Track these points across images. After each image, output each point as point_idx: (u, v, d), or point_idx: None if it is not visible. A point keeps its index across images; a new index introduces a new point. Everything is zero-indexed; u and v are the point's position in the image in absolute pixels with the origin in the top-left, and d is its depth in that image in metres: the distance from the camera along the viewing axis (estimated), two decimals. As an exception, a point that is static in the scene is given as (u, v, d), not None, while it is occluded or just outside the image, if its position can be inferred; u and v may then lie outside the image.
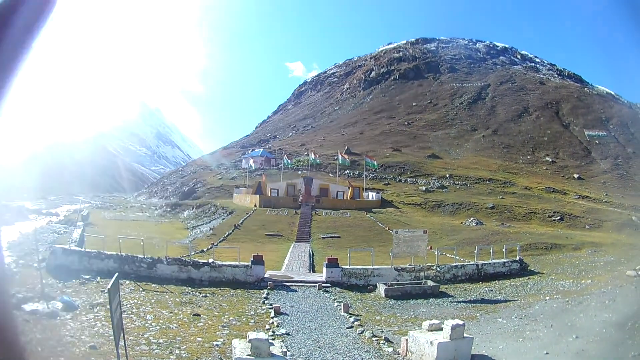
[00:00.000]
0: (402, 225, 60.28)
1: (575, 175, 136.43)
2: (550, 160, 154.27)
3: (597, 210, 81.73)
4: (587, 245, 48.09)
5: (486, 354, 16.96)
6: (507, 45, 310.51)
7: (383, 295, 29.52)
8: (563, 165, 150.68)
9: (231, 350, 15.27)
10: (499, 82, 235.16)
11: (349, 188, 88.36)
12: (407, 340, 17.34)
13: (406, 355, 17.19)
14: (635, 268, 29.38)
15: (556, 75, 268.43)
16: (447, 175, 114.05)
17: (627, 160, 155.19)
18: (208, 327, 20.61)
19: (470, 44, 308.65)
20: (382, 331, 21.16)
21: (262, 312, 24.23)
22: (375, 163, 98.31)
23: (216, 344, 17.97)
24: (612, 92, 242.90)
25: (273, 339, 16.28)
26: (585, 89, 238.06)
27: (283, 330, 20.56)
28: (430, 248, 39.07)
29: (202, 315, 22.48)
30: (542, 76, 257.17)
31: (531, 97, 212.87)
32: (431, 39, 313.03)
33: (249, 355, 13.40)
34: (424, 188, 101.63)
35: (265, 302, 26.44)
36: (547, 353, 16.15)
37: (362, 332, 20.72)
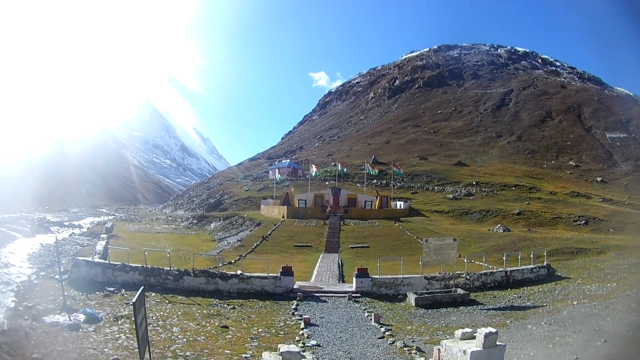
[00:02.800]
0: (431, 234, 59.77)
1: (599, 179, 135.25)
2: (574, 164, 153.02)
3: (620, 213, 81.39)
4: (612, 248, 48.11)
5: None
6: (528, 50, 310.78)
7: (413, 304, 29.18)
8: (586, 169, 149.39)
9: (261, 363, 14.89)
10: (521, 87, 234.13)
11: (376, 197, 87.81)
12: (439, 349, 16.96)
13: (439, 365, 16.77)
14: (660, 270, 29.23)
15: (576, 79, 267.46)
16: (474, 183, 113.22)
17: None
18: (237, 340, 20.28)
19: (492, 49, 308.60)
20: (414, 341, 20.87)
21: (292, 323, 23.89)
22: (402, 172, 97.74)
23: (245, 357, 17.68)
24: (631, 94, 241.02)
25: (304, 351, 15.88)
26: (605, 91, 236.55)
27: (314, 342, 20.27)
28: (459, 256, 38.56)
29: (230, 327, 22.17)
30: (563, 80, 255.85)
31: (553, 101, 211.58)
32: (453, 46, 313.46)
33: (280, 368, 12.98)
34: (451, 196, 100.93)
35: (295, 313, 26.12)
36: (576, 358, 16.02)
37: (393, 342, 20.42)
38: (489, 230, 68.97)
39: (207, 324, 22.53)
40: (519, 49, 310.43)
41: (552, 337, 19.62)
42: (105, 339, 18.38)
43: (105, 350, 16.81)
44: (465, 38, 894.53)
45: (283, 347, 13.46)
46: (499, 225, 70.90)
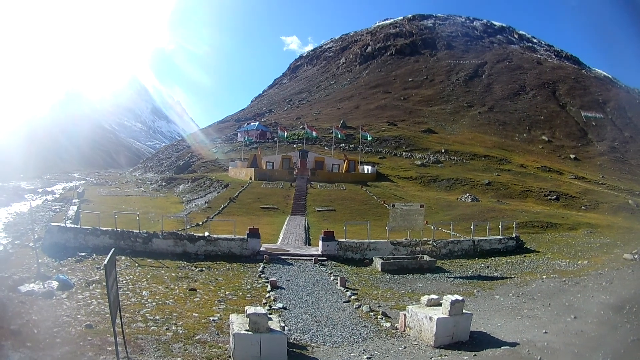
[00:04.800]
0: (398, 199, 59.93)
1: (572, 156, 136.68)
2: (547, 139, 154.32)
3: (593, 191, 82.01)
4: (583, 225, 48.54)
5: (485, 331, 16.95)
6: (504, 25, 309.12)
7: (379, 269, 29.45)
8: (559, 145, 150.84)
9: (228, 325, 15.17)
10: (495, 60, 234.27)
11: (344, 161, 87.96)
12: (405, 315, 17.24)
13: (404, 330, 17.12)
14: (632, 252, 29.59)
15: (553, 56, 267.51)
16: (443, 151, 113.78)
17: (624, 144, 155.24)
18: (204, 302, 20.53)
19: (467, 22, 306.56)
20: (380, 306, 21.13)
21: (259, 286, 24.13)
22: (368, 135, 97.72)
23: (213, 319, 17.89)
24: (610, 76, 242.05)
25: (270, 314, 16.13)
26: (583, 71, 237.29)
27: (280, 305, 20.53)
28: (427, 223, 38.95)
29: (198, 290, 22.38)
30: (539, 56, 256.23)
31: (528, 77, 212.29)
32: (428, 16, 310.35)
33: (247, 330, 13.27)
34: (419, 162, 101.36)
35: (262, 275, 26.33)
36: (545, 332, 16.18)
37: (359, 306, 20.68)
38: (457, 198, 69.46)
39: (176, 287, 22.73)
40: (495, 23, 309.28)
41: (520, 309, 19.97)
42: (77, 305, 18.49)
43: (78, 317, 16.92)
44: (440, 9, 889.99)
45: (250, 310, 13.67)
46: (467, 194, 71.38)
